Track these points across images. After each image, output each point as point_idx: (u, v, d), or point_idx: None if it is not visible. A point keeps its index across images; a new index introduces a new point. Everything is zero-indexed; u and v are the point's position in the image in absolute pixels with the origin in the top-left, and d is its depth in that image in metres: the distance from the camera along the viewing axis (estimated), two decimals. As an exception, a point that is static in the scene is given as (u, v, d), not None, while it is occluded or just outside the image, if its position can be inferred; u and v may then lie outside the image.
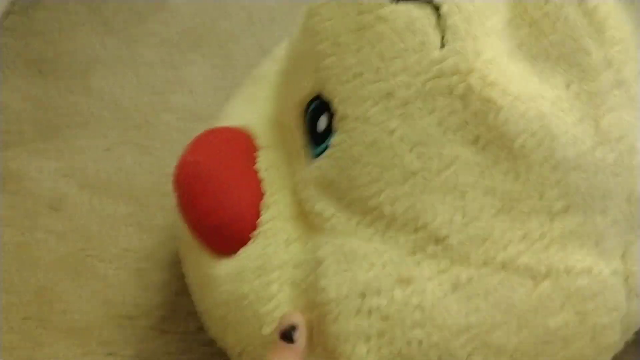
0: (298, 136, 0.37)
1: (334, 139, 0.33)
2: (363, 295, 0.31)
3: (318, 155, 0.35)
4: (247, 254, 0.35)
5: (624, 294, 0.32)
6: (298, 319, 0.32)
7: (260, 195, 0.37)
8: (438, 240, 0.31)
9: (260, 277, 0.35)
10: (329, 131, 0.34)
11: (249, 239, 0.36)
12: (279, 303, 0.34)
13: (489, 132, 0.30)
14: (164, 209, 0.53)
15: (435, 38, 0.30)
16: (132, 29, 0.67)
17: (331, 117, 0.34)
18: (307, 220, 0.35)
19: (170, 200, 0.53)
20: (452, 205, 0.30)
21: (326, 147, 0.34)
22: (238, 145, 0.39)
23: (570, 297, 0.31)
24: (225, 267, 0.36)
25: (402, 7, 0.31)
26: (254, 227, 0.36)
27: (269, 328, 0.33)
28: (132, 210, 0.53)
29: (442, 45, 0.30)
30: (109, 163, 0.57)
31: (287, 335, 0.32)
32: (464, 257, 0.31)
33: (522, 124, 0.29)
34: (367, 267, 0.31)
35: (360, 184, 0.32)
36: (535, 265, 0.30)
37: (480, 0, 0.31)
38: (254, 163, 0.38)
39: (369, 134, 0.32)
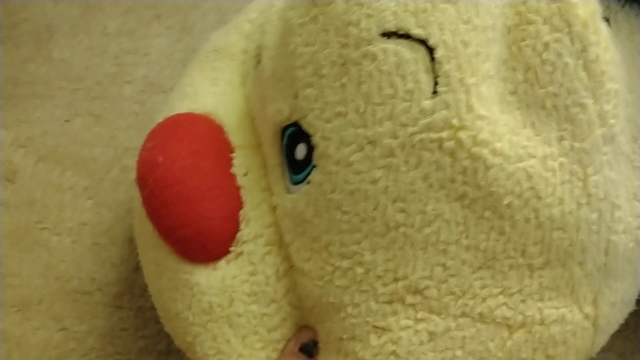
0: (274, 152, 0.35)
1: (313, 177, 0.31)
2: (341, 340, 0.32)
3: (295, 183, 0.33)
4: (232, 274, 0.34)
5: (592, 333, 0.33)
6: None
7: (239, 204, 0.34)
8: (417, 292, 0.30)
9: (258, 304, 0.34)
10: (307, 161, 0.32)
11: (226, 251, 0.34)
12: (284, 334, 0.35)
13: (475, 190, 0.29)
14: (123, 183, 0.52)
15: (426, 85, 0.28)
16: (92, -3, 0.65)
17: (309, 147, 0.31)
18: (287, 252, 0.34)
19: (128, 174, 0.52)
20: (433, 260, 0.30)
21: (304, 178, 0.32)
22: (211, 141, 0.36)
23: (542, 343, 0.31)
24: (205, 277, 0.34)
25: (392, 46, 0.28)
26: (232, 239, 0.34)
27: (275, 354, 0.34)
28: (89, 183, 0.52)
29: (434, 92, 0.28)
30: (67, 135, 0.55)
31: (307, 349, 0.33)
32: (442, 308, 0.31)
33: (510, 185, 0.28)
34: (343, 316, 0.32)
35: (339, 230, 0.31)
36: (512, 316, 0.31)
37: (476, 42, 0.28)
38: (230, 165, 0.35)
39: (351, 182, 0.30)
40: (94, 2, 0.65)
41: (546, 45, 0.29)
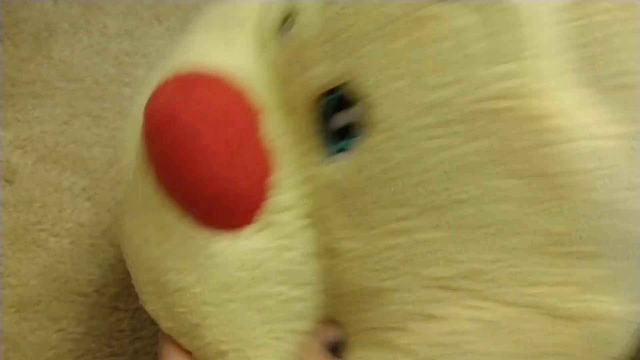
0: (308, 120, 0.31)
1: (365, 144, 0.29)
2: (374, 329, 0.29)
3: (336, 152, 0.30)
4: (261, 246, 0.30)
5: (636, 329, 0.31)
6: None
7: (267, 169, 0.31)
8: (471, 276, 0.28)
9: (289, 284, 0.31)
10: (349, 131, 0.29)
11: (251, 219, 0.30)
12: (311, 325, 0.31)
13: (539, 167, 0.27)
14: (122, 183, 0.52)
15: (488, 52, 0.26)
16: (93, -3, 0.65)
17: (355, 116, 0.29)
18: (324, 229, 0.31)
19: (127, 175, 0.53)
20: (491, 243, 0.28)
21: (345, 147, 0.29)
22: (237, 100, 0.32)
23: (589, 339, 0.30)
24: (228, 247, 0.30)
25: (459, 8, 0.26)
26: (259, 206, 0.30)
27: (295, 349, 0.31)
28: (88, 184, 0.52)
29: (495, 59, 0.26)
30: (66, 135, 0.55)
31: (335, 348, 0.30)
32: (498, 295, 0.28)
33: (581, 162, 0.26)
34: (383, 302, 0.29)
35: (389, 204, 0.28)
36: (562, 307, 0.29)
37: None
38: (258, 127, 0.31)
39: (409, 150, 0.27)
40: (94, 2, 0.65)
41: (605, 24, 0.27)
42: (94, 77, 0.59)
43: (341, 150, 0.29)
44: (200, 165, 0.29)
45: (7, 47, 0.61)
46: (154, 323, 0.44)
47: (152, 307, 0.33)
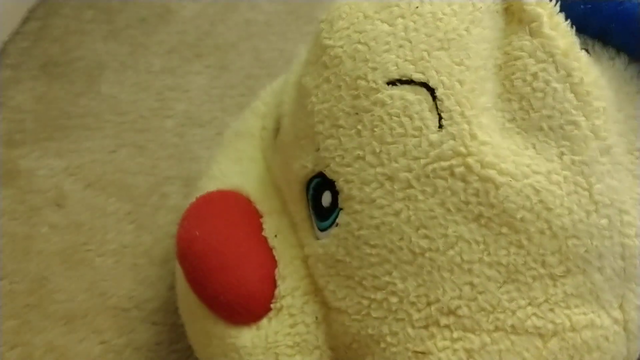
0: (300, 207, 0.38)
1: (341, 219, 0.34)
2: None
3: (324, 229, 0.35)
4: (274, 330, 0.36)
5: (624, 338, 0.34)
6: None
7: (273, 264, 0.37)
8: (450, 312, 0.32)
9: (302, 353, 0.36)
10: (333, 206, 0.34)
11: (268, 310, 0.36)
12: None
13: (489, 209, 0.31)
14: (161, 208, 0.56)
15: (432, 121, 0.31)
16: (140, 38, 0.71)
17: (335, 193, 0.34)
18: (322, 296, 0.36)
19: (166, 200, 0.57)
20: (460, 280, 0.31)
21: (332, 223, 0.34)
22: (241, 212, 0.39)
23: (577, 350, 0.32)
24: (250, 339, 0.36)
25: (397, 92, 0.32)
26: (271, 298, 0.36)
27: None
28: (131, 209, 0.56)
29: (440, 126, 0.31)
30: (112, 164, 0.60)
31: None
32: (475, 325, 0.32)
33: (520, 200, 0.30)
34: (383, 346, 0.33)
35: (370, 264, 0.33)
36: (543, 325, 0.32)
37: (470, 80, 0.31)
38: (260, 230, 0.38)
39: (375, 216, 0.32)
40: (141, 41, 0.70)
41: (534, 75, 0.32)
42: (139, 111, 0.64)
43: (328, 227, 0.35)
44: (217, 279, 0.35)
45: (63, 84, 0.67)
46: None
47: None
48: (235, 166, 0.44)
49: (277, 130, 0.42)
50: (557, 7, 0.32)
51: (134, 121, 0.63)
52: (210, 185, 0.42)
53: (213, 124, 0.62)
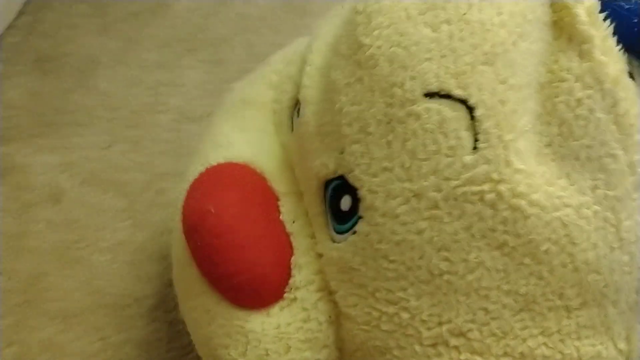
0: (316, 202, 0.36)
1: (360, 228, 0.32)
2: None
3: (340, 232, 0.34)
4: (286, 320, 0.35)
5: None
6: None
7: (289, 251, 0.35)
8: (460, 334, 0.31)
9: (312, 350, 0.35)
10: (353, 211, 0.33)
11: (279, 297, 0.35)
12: None
13: (515, 239, 0.30)
14: (156, 205, 0.56)
15: (467, 142, 0.30)
16: (132, 33, 0.70)
17: (355, 199, 0.33)
18: (331, 299, 0.35)
19: (162, 196, 0.56)
20: (475, 305, 0.31)
21: (350, 228, 0.33)
22: (256, 190, 0.36)
23: None
24: (260, 324, 0.35)
25: (435, 106, 0.30)
26: (284, 285, 0.35)
27: None
28: (126, 205, 0.56)
29: (474, 147, 0.29)
30: (106, 160, 0.60)
31: None
32: (485, 349, 0.31)
33: (547, 233, 0.30)
34: (389, 358, 0.33)
35: (386, 278, 0.32)
36: (552, 355, 0.32)
37: (513, 100, 0.30)
38: (277, 212, 0.36)
39: (397, 232, 0.31)
40: (133, 36, 0.70)
41: (579, 101, 0.30)
42: (132, 106, 0.64)
43: (345, 231, 0.34)
44: (230, 258, 0.33)
45: (52, 79, 0.66)
46: (188, 334, 0.47)
47: None
48: (244, 136, 0.41)
49: (292, 107, 0.40)
50: (611, 30, 0.31)
51: (127, 117, 0.63)
52: (215, 154, 0.39)
53: (207, 119, 0.62)
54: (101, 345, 0.48)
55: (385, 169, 0.31)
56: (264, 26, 0.69)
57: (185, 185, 0.37)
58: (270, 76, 0.44)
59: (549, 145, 0.31)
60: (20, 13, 0.72)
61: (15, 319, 0.50)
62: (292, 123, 0.40)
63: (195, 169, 0.38)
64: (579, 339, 0.32)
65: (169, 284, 0.50)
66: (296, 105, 0.40)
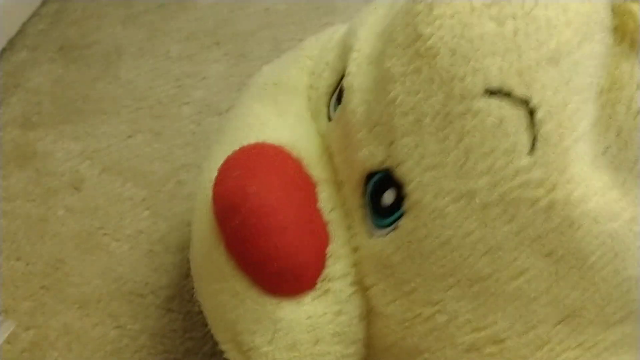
0: (356, 194, 0.35)
1: (404, 223, 0.31)
2: None
3: (380, 227, 0.33)
4: (319, 311, 0.34)
5: None
6: None
7: (327, 240, 0.34)
8: (497, 342, 0.31)
9: (342, 344, 0.35)
10: (396, 206, 0.32)
11: (311, 286, 0.34)
12: None
13: (564, 247, 0.29)
14: (177, 196, 0.56)
15: (525, 143, 0.28)
16: (159, 24, 0.70)
17: (400, 193, 0.31)
18: (368, 294, 0.35)
19: (182, 188, 0.57)
20: (515, 312, 0.30)
21: (391, 223, 0.32)
22: (296, 174, 0.35)
23: None
24: (291, 312, 0.34)
25: (495, 103, 0.28)
26: (318, 275, 0.34)
27: None
28: (147, 195, 0.57)
29: (532, 149, 0.28)
30: (129, 149, 0.60)
31: None
32: (520, 359, 0.31)
33: (596, 244, 0.29)
34: None
35: (427, 277, 0.31)
36: None
37: (575, 102, 0.29)
38: (316, 199, 0.35)
39: (444, 232, 0.30)
40: (159, 27, 0.70)
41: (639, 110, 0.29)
42: (156, 96, 0.64)
43: (386, 225, 0.32)
44: (269, 244, 0.32)
45: (80, 67, 0.67)
46: (204, 325, 0.47)
47: (232, 357, 0.37)
48: (279, 119, 0.39)
49: (330, 94, 0.39)
50: None
51: (151, 107, 0.63)
52: (249, 135, 0.37)
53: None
54: (118, 334, 0.48)
55: (437, 165, 0.30)
56: (290, 22, 0.69)
57: (211, 166, 0.35)
58: (305, 61, 0.43)
59: (604, 152, 0.30)
60: (45, 1, 0.73)
61: (34, 303, 0.50)
62: (329, 111, 0.39)
63: (223, 150, 0.36)
64: (615, 354, 0.31)
65: (186, 276, 0.51)
66: (334, 93, 0.39)
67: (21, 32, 0.70)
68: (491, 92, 0.29)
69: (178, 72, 0.66)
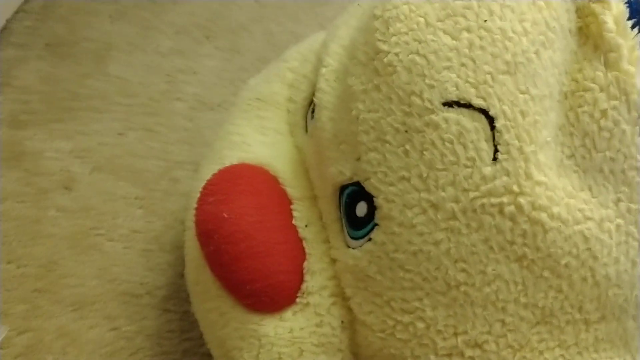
0: (331, 208, 0.36)
1: (376, 236, 0.32)
2: None
3: (355, 238, 0.34)
4: (299, 325, 0.35)
5: None
6: None
7: (302, 256, 0.36)
8: (476, 345, 0.31)
9: (326, 354, 0.35)
10: (369, 218, 0.33)
11: (292, 301, 0.35)
12: None
13: (534, 252, 0.30)
14: (171, 194, 0.55)
15: (487, 153, 0.29)
16: (149, 19, 0.69)
17: (371, 206, 0.33)
18: (346, 305, 0.35)
19: (177, 186, 0.56)
20: (492, 317, 0.31)
21: (366, 234, 0.33)
22: (271, 194, 0.37)
23: None
24: (273, 328, 0.35)
25: (454, 115, 0.29)
26: (297, 290, 0.35)
27: None
28: (141, 193, 0.56)
29: (494, 159, 0.29)
30: (121, 147, 0.59)
31: None
32: None
33: (567, 247, 0.29)
34: None
35: (401, 287, 0.32)
36: None
37: (534, 111, 0.29)
38: (291, 217, 0.36)
39: (414, 243, 0.31)
40: (150, 22, 0.69)
41: (604, 112, 0.29)
42: (148, 93, 0.63)
43: (361, 237, 0.33)
44: (246, 266, 0.33)
45: (70, 64, 0.65)
46: (201, 325, 0.46)
47: None
48: (260, 136, 0.41)
49: (307, 107, 0.40)
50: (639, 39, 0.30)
51: (143, 104, 0.62)
52: (231, 154, 0.40)
53: (224, 108, 0.61)
54: (114, 335, 0.48)
55: (402, 179, 0.31)
56: (283, 15, 0.68)
57: (199, 184, 0.37)
58: (286, 74, 0.44)
59: (571, 156, 0.30)
60: (30, -3, 0.72)
61: (28, 306, 0.49)
62: (307, 123, 0.40)
63: (209, 168, 0.38)
64: (596, 352, 0.32)
65: (182, 276, 0.50)
66: (310, 105, 0.39)
67: (6, 29, 0.69)
68: (449, 105, 0.29)
69: (170, 67, 0.65)
